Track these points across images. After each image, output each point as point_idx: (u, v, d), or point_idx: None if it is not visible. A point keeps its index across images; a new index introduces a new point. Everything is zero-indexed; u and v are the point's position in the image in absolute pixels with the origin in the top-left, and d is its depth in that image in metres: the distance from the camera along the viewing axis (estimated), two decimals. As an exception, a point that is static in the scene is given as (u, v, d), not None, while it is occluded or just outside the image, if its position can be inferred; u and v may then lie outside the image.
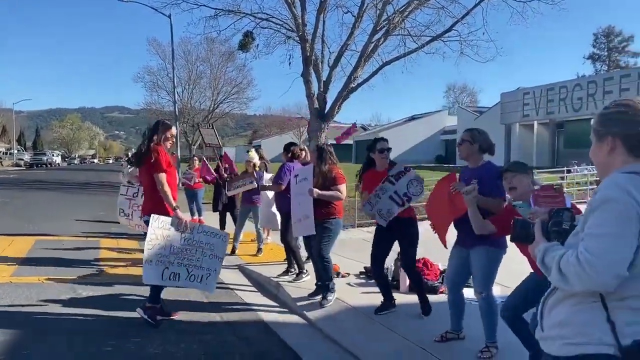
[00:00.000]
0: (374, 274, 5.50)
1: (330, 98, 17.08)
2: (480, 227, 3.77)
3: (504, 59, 17.75)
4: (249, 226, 8.83)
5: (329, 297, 5.55)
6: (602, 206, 1.67)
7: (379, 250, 5.32)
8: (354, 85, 16.88)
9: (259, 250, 8.29)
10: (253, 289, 6.45)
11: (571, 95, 29.90)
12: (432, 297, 5.55)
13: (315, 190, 5.45)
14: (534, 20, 16.55)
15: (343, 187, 5.63)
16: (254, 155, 8.43)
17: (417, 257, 5.49)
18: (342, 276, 6.71)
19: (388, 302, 5.33)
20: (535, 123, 33.15)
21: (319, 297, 5.70)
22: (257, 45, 18.26)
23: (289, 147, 7.05)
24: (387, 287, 5.43)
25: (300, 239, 7.22)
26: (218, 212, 9.63)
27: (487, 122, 35.96)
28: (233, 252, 8.24)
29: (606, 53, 58.62)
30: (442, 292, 5.72)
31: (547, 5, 15.99)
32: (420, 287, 5.28)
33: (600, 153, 1.85)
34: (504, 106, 35.35)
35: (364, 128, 66.08)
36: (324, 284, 5.65)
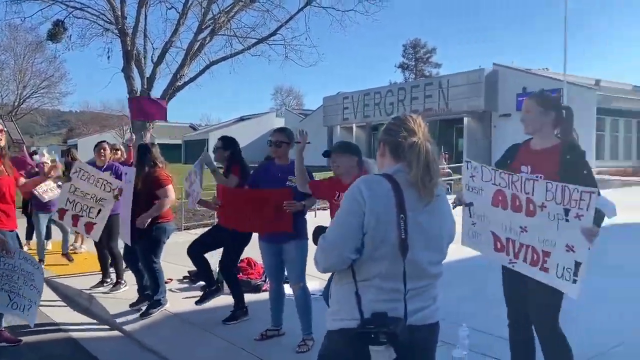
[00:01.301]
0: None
1: (156, 96, 16.35)
2: None
3: (326, 64, 18.89)
4: (57, 234, 8.06)
5: (151, 311, 5.21)
6: (342, 203, 1.97)
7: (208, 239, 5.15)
8: (180, 84, 16.36)
9: (40, 260, 6.99)
10: (62, 303, 5.85)
11: (384, 100, 32.79)
12: (255, 296, 5.64)
13: (143, 219, 5.06)
14: (351, 29, 17.86)
15: (169, 190, 5.23)
16: (47, 155, 7.61)
17: (242, 257, 5.47)
18: (165, 282, 6.44)
19: (239, 311, 5.00)
20: (354, 125, 35.62)
21: (141, 307, 5.39)
22: (70, 36, 16.63)
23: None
24: (238, 290, 5.10)
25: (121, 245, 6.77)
26: (27, 216, 8.50)
27: (312, 124, 37.78)
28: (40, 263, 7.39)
29: (414, 63, 65.10)
30: (265, 290, 5.81)
31: (363, 16, 17.32)
32: (236, 290, 5.05)
33: (377, 156, 2.16)
34: (326, 109, 37.43)
35: (194, 128, 64.56)
36: (153, 297, 5.31)
